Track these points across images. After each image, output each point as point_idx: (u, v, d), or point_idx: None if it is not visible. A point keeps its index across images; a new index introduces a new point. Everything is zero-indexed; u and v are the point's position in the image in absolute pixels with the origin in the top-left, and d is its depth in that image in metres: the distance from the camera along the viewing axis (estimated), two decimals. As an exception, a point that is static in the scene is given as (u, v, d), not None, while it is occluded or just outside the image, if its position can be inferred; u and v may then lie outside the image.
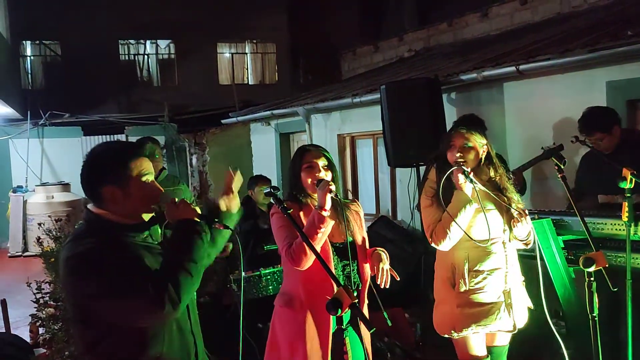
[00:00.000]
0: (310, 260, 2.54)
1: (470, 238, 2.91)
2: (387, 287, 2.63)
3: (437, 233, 2.96)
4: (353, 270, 2.71)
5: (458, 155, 2.96)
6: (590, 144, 3.88)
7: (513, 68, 5.16)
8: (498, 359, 3.14)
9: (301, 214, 2.74)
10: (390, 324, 2.83)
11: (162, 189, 2.07)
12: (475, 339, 3.03)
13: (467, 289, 2.96)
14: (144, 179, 2.01)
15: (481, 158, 3.04)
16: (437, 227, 2.97)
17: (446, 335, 3.05)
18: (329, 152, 2.85)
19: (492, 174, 3.03)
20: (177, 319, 2.00)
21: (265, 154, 10.71)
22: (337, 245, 2.72)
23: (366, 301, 2.81)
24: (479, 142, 3.03)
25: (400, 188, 6.99)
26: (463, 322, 2.96)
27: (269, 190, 2.55)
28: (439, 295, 3.10)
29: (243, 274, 4.75)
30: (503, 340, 3.14)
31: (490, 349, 3.12)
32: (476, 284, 2.95)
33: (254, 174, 5.45)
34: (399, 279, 2.68)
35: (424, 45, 11.05)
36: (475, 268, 2.96)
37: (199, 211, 2.04)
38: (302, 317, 2.66)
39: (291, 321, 2.70)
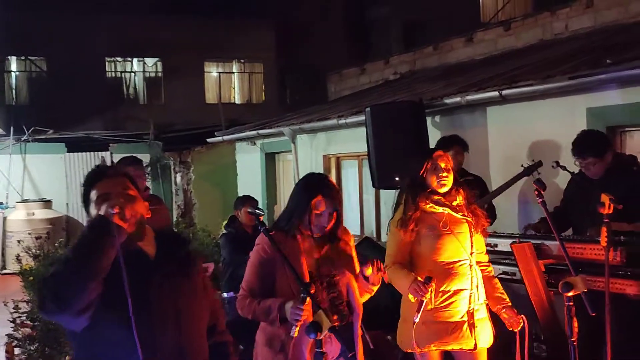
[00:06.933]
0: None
1: None
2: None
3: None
4: (341, 302, 2.68)
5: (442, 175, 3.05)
6: (571, 171, 3.90)
7: (496, 93, 5.23)
8: None
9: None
10: (372, 346, 2.83)
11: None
12: (436, 356, 3.09)
13: (433, 307, 2.99)
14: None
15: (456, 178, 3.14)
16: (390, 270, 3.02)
17: (409, 351, 3.08)
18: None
19: (460, 198, 3.11)
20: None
21: (250, 173, 10.69)
22: (326, 279, 2.67)
23: (361, 332, 2.75)
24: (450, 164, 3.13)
25: (385, 209, 7.01)
26: (426, 339, 3.01)
27: (252, 210, 2.57)
28: (405, 312, 3.12)
29: (225, 294, 4.71)
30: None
31: None
32: (441, 302, 3.01)
33: (239, 194, 5.45)
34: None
35: (409, 68, 11.16)
36: (442, 288, 3.00)
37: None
38: (282, 358, 2.56)
39: None
